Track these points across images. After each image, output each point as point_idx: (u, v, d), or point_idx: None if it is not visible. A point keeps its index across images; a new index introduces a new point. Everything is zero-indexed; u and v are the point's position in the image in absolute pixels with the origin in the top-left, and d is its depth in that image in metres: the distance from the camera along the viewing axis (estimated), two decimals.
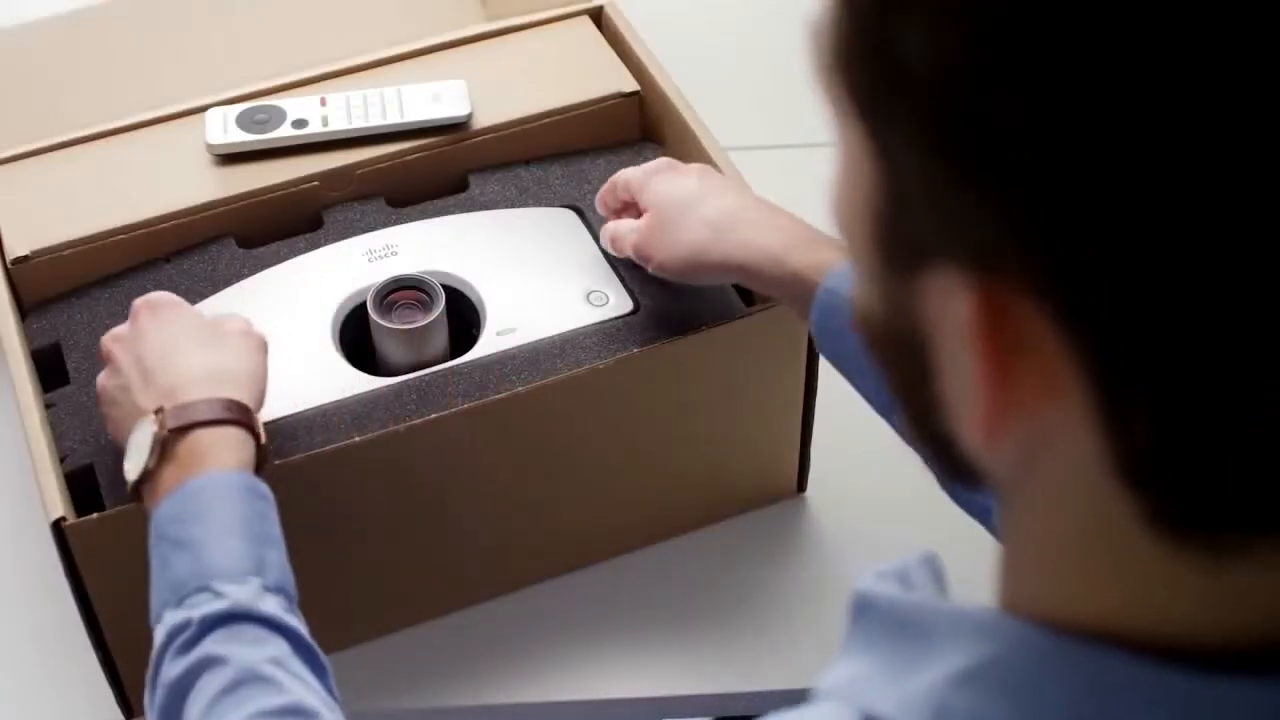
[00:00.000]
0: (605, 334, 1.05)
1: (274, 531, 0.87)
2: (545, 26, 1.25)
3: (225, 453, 0.88)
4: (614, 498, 1.11)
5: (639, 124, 1.20)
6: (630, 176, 1.05)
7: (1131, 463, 0.40)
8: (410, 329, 1.03)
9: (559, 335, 1.04)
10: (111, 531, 0.94)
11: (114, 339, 0.95)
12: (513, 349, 1.04)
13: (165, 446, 0.88)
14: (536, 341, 1.04)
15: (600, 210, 1.09)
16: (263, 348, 0.96)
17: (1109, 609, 0.44)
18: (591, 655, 1.08)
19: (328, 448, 0.98)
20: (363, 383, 1.03)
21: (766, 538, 1.14)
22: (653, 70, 1.19)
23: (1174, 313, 0.38)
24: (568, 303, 1.07)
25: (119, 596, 0.98)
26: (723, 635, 1.08)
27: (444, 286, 1.05)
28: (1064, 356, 0.40)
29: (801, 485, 1.17)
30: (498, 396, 1.00)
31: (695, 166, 1.03)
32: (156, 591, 0.85)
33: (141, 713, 1.04)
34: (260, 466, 0.91)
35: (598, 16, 1.26)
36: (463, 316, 1.07)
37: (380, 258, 1.09)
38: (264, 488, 0.88)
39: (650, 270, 1.01)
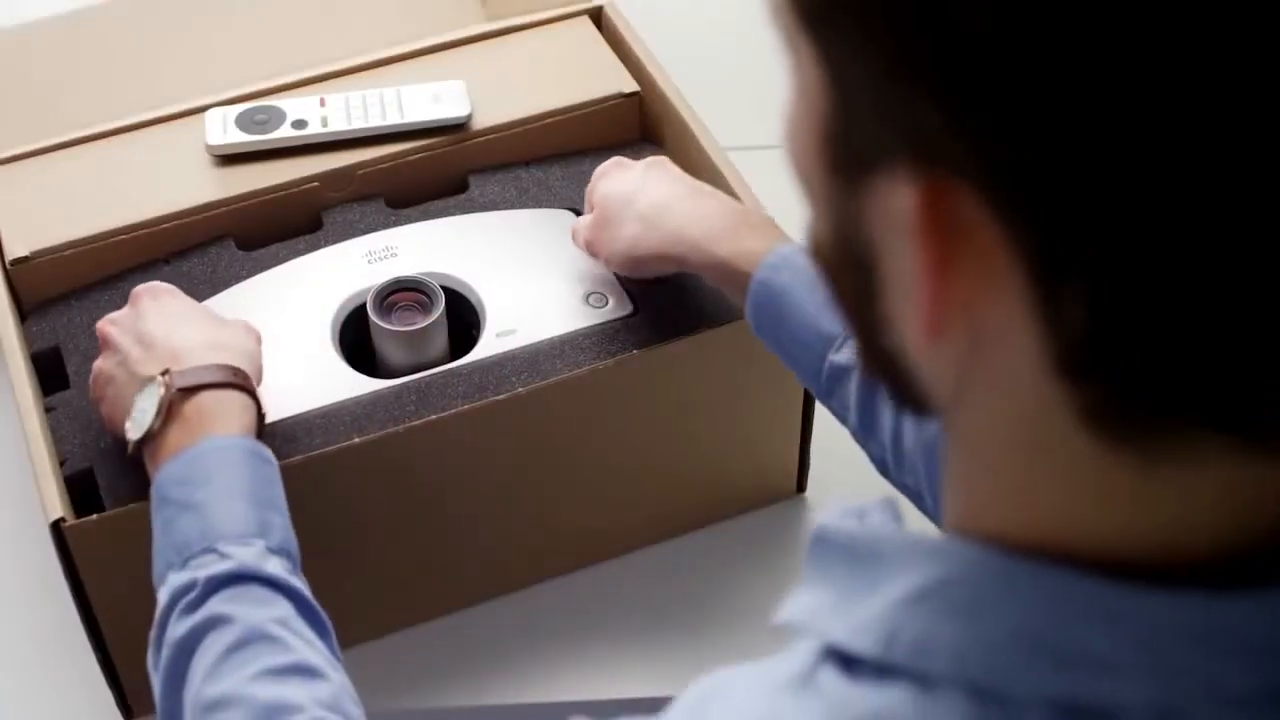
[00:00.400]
0: (605, 335, 1.05)
1: (278, 495, 0.89)
2: (545, 26, 1.25)
3: (230, 416, 0.90)
4: (614, 498, 1.11)
5: (639, 124, 1.20)
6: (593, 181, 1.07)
7: (1067, 353, 0.41)
8: (410, 330, 1.03)
9: (559, 337, 1.04)
10: (111, 532, 0.94)
11: (111, 322, 0.97)
12: (513, 350, 1.04)
13: (171, 407, 0.89)
14: (536, 343, 1.04)
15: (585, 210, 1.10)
16: (258, 337, 0.99)
17: (1051, 522, 0.45)
18: (591, 655, 1.08)
19: (328, 449, 0.98)
20: (362, 384, 1.02)
21: (766, 538, 1.14)
22: (653, 70, 1.19)
23: (1106, 194, 0.38)
24: (567, 304, 1.07)
25: (118, 597, 0.98)
26: (723, 635, 1.08)
27: (444, 288, 1.05)
28: (1001, 246, 0.41)
29: (801, 485, 1.17)
30: (498, 397, 1.00)
31: (644, 161, 1.05)
32: (160, 553, 0.86)
33: (141, 713, 1.05)
34: (259, 435, 0.92)
35: (598, 16, 1.26)
36: (462, 318, 1.07)
37: (380, 259, 1.09)
38: (267, 452, 0.90)
39: (601, 265, 1.05)
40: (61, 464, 0.99)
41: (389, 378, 1.03)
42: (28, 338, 1.07)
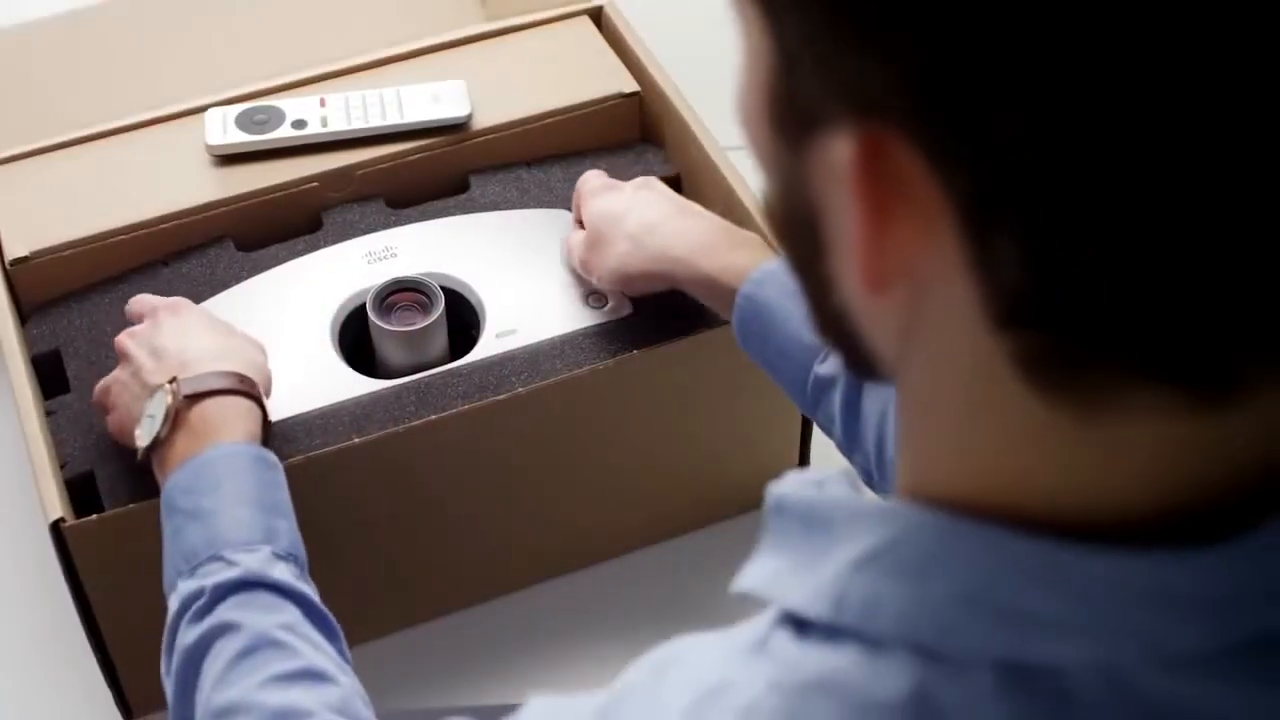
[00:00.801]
0: (604, 335, 1.05)
1: (284, 500, 0.89)
2: (545, 26, 1.25)
3: (236, 423, 0.91)
4: (614, 498, 1.11)
5: (639, 124, 1.20)
6: (578, 191, 1.09)
7: (1003, 304, 0.41)
8: (410, 331, 1.03)
9: (559, 337, 1.04)
10: (110, 533, 0.94)
11: (130, 335, 0.98)
12: (513, 350, 1.04)
13: (178, 415, 0.90)
14: (536, 343, 1.04)
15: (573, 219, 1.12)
16: (263, 350, 1.00)
17: (995, 480, 0.45)
18: (591, 655, 1.08)
19: (328, 449, 0.98)
20: (362, 385, 1.02)
21: None
22: (653, 70, 1.19)
23: (1034, 138, 0.39)
24: (567, 305, 1.07)
25: (118, 598, 0.98)
26: None
27: (443, 288, 1.06)
28: (936, 196, 0.41)
29: None
30: (498, 397, 1.00)
31: (633, 182, 1.06)
32: (170, 560, 0.87)
33: (141, 713, 1.05)
34: (266, 441, 0.93)
35: (598, 16, 1.26)
36: (462, 318, 1.07)
37: (380, 259, 1.09)
38: (273, 458, 0.91)
39: (594, 284, 1.06)
40: (62, 467, 0.99)
41: (389, 378, 1.03)
42: (28, 340, 1.07)
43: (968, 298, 0.42)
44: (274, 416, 0.99)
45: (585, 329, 1.05)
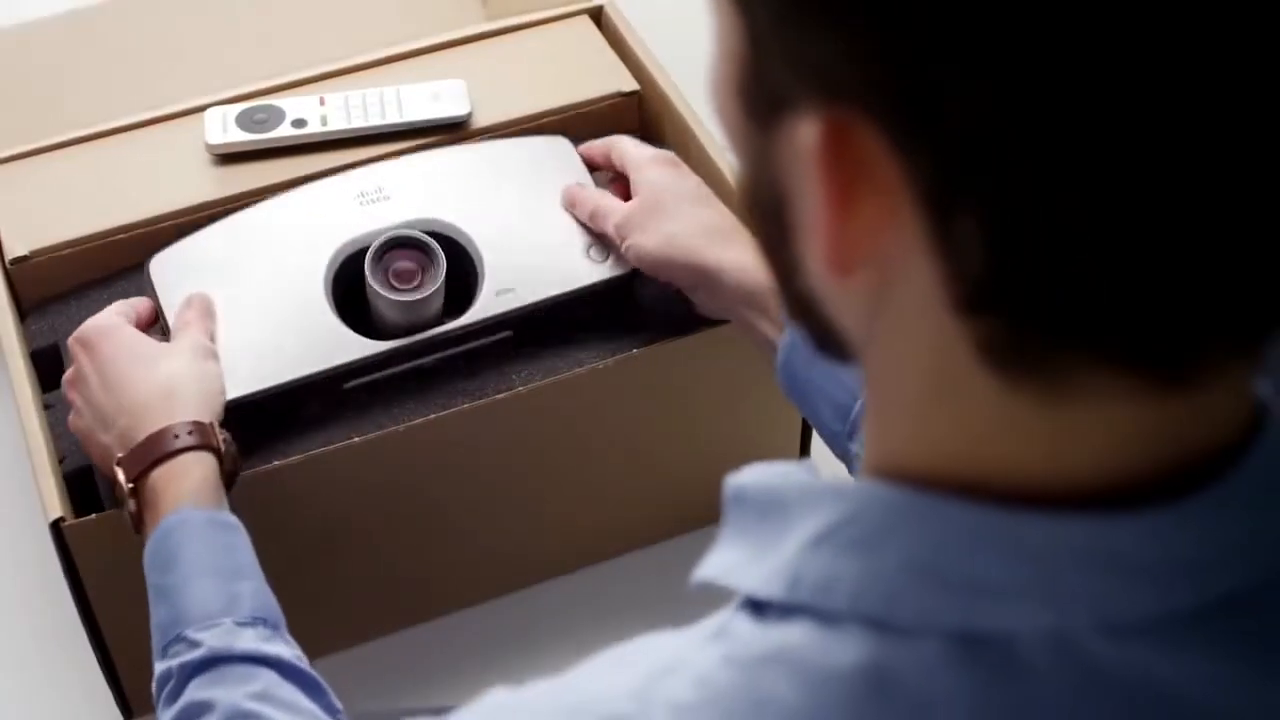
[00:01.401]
0: (605, 334, 1.04)
1: (244, 560, 0.87)
2: (545, 26, 1.25)
3: (183, 483, 0.88)
4: (614, 497, 1.11)
5: (639, 124, 1.20)
6: (627, 152, 1.05)
7: (964, 288, 0.42)
8: (410, 301, 1.00)
9: (559, 296, 1.03)
10: (110, 531, 0.94)
11: (69, 383, 0.96)
12: (512, 311, 1.02)
13: (133, 494, 0.89)
14: (536, 303, 1.02)
15: (584, 156, 1.09)
16: (210, 353, 0.97)
17: (952, 457, 0.45)
18: (591, 655, 1.08)
19: (326, 448, 0.98)
20: (359, 346, 1.00)
21: None
22: (653, 70, 1.19)
23: (993, 121, 0.39)
24: (567, 259, 1.04)
25: (118, 596, 0.98)
26: None
27: (439, 236, 1.02)
28: (899, 179, 0.42)
29: None
30: (497, 396, 1.00)
31: (697, 178, 1.04)
32: (152, 638, 0.86)
33: (141, 713, 1.05)
34: (232, 475, 0.91)
35: (598, 16, 1.26)
36: (460, 266, 1.03)
37: (372, 201, 1.05)
38: (227, 516, 0.89)
39: (621, 250, 1.01)
40: (61, 461, 0.99)
41: (384, 337, 1.01)
42: (27, 336, 1.07)
43: (930, 282, 0.43)
44: (269, 382, 0.98)
45: (585, 288, 1.04)
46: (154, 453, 0.89)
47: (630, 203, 1.01)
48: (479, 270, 1.03)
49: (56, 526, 0.93)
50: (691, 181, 1.02)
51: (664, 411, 1.08)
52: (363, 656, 1.08)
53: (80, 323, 1.07)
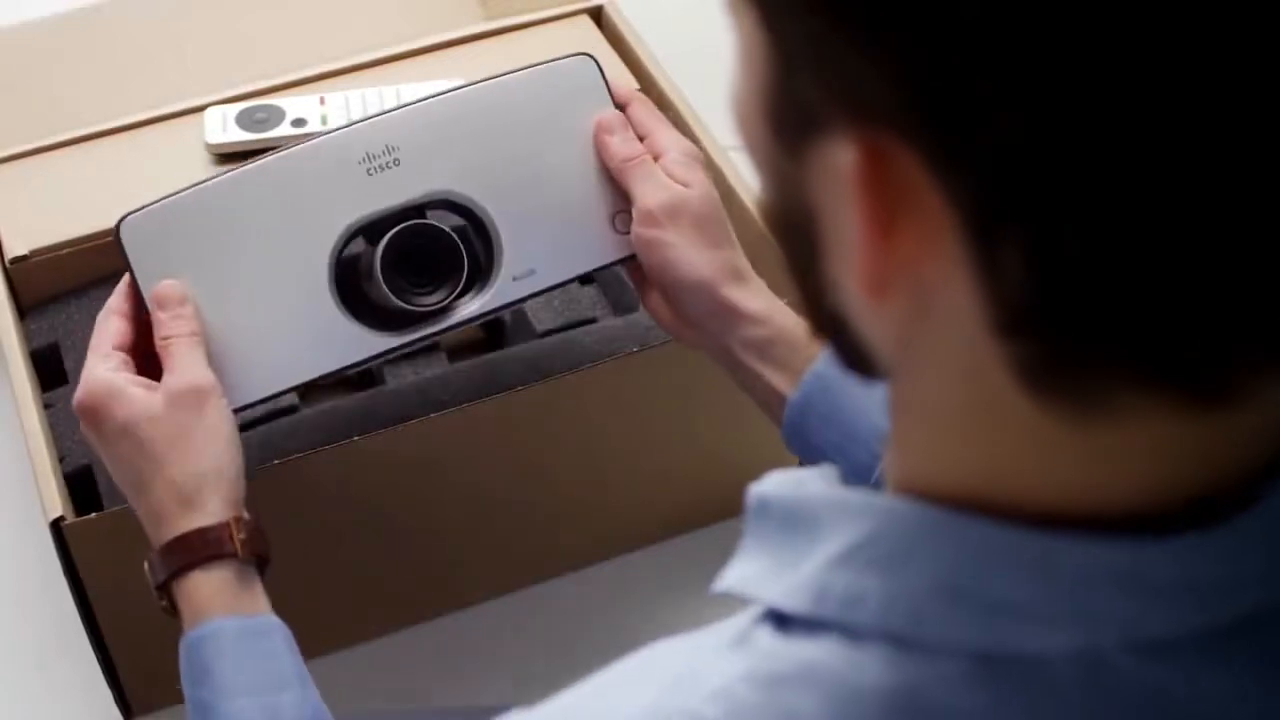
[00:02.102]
0: (605, 334, 1.04)
1: (283, 667, 0.83)
2: (545, 26, 1.25)
3: (211, 587, 0.83)
4: (614, 497, 1.11)
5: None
6: (657, 131, 0.95)
7: (1004, 310, 0.41)
8: (426, 311, 0.92)
9: (580, 275, 0.96)
10: (110, 531, 0.94)
11: (84, 430, 0.88)
12: (531, 295, 0.95)
13: (163, 592, 0.85)
14: (556, 284, 0.95)
15: (610, 137, 0.95)
16: (227, 416, 0.87)
17: (984, 476, 0.45)
18: (591, 655, 1.08)
19: (326, 447, 0.97)
20: (368, 343, 0.92)
21: None
22: (653, 69, 1.19)
23: (1037, 144, 0.39)
24: (591, 228, 0.94)
25: (118, 596, 0.98)
26: None
27: (454, 206, 0.93)
28: (939, 202, 0.41)
29: None
30: (497, 397, 1.00)
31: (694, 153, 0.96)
32: None
33: (141, 713, 1.05)
34: (263, 557, 0.86)
35: (598, 16, 1.26)
36: (476, 241, 0.95)
37: (381, 169, 0.93)
38: (261, 620, 0.84)
39: (634, 231, 0.91)
40: (61, 460, 0.99)
41: (391, 324, 0.93)
42: (27, 335, 1.07)
43: (969, 303, 0.42)
44: (271, 390, 0.91)
45: (609, 265, 0.96)
46: (176, 562, 0.84)
47: (662, 195, 0.91)
48: (496, 247, 0.94)
49: (56, 526, 0.93)
50: (719, 202, 0.93)
51: (664, 411, 1.07)
52: (362, 657, 1.08)
53: (81, 321, 1.07)
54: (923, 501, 0.45)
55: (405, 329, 0.93)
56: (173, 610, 0.85)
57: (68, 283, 1.10)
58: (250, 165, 0.92)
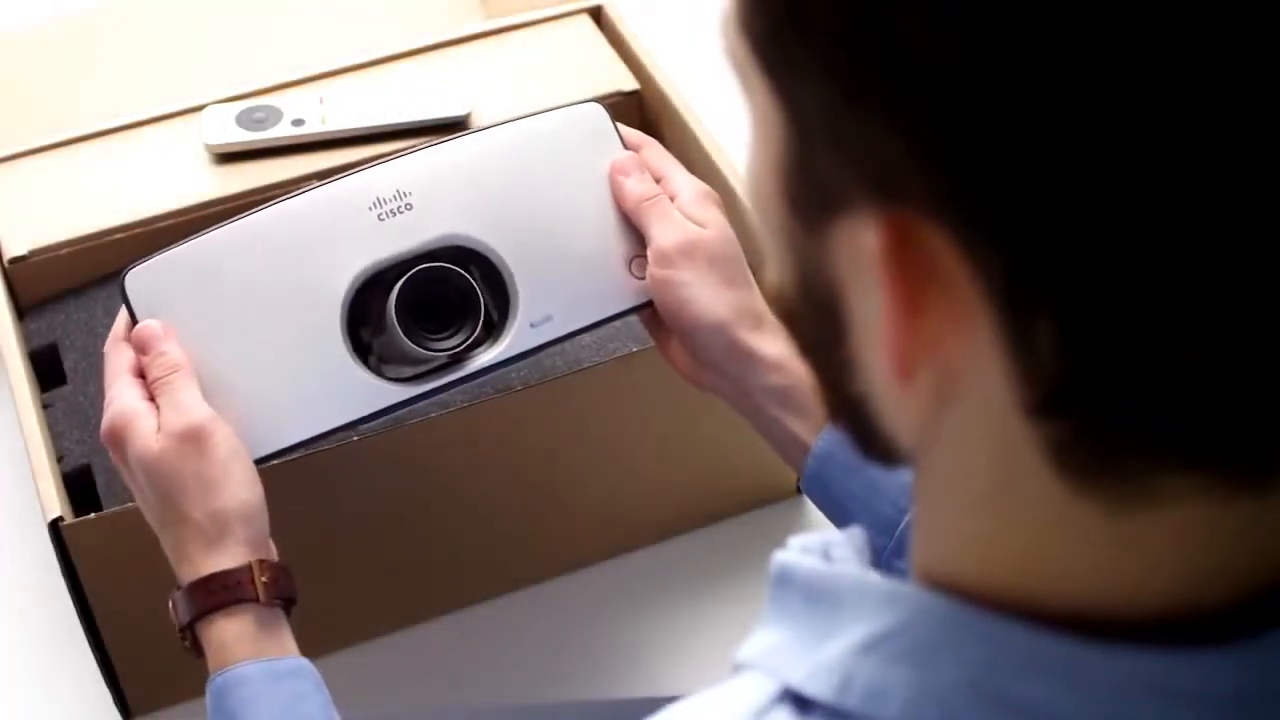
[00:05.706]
0: (604, 333, 1.04)
1: (310, 709, 0.82)
2: (545, 25, 1.25)
3: (236, 629, 0.82)
4: (613, 497, 1.10)
5: (639, 124, 1.20)
6: (673, 175, 0.94)
7: (1037, 391, 0.40)
8: (444, 362, 0.91)
9: (599, 321, 0.93)
10: (109, 531, 0.94)
11: (110, 453, 0.87)
12: (548, 343, 0.93)
13: (187, 632, 0.84)
14: (574, 331, 0.93)
15: (625, 176, 0.94)
16: (235, 449, 0.85)
17: (1013, 567, 0.44)
18: (591, 655, 1.08)
19: (326, 447, 0.97)
20: (383, 395, 0.90)
21: (766, 538, 1.13)
22: (652, 69, 1.19)
23: (1071, 225, 0.38)
24: (609, 274, 0.93)
25: (117, 596, 0.98)
26: (723, 635, 1.08)
27: (469, 253, 0.91)
28: (970, 282, 0.40)
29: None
30: (498, 397, 1.00)
31: (708, 193, 0.94)
32: None
33: (140, 713, 1.05)
34: (289, 598, 0.84)
35: (597, 15, 1.26)
36: (490, 286, 0.92)
37: (392, 214, 0.91)
38: (287, 661, 0.83)
39: (649, 273, 0.90)
40: (60, 460, 0.99)
41: (406, 380, 0.91)
42: (26, 335, 1.07)
43: (1001, 384, 0.41)
44: (284, 443, 0.89)
45: (627, 311, 0.94)
46: (199, 606, 0.82)
47: (678, 234, 0.89)
48: (511, 292, 0.92)
49: (55, 526, 0.93)
50: (737, 242, 0.90)
51: (664, 411, 1.07)
52: (363, 656, 1.08)
53: (80, 321, 1.07)
54: (950, 595, 0.44)
55: (421, 380, 0.91)
56: (196, 650, 0.84)
57: (67, 282, 1.10)
58: (258, 212, 0.90)
